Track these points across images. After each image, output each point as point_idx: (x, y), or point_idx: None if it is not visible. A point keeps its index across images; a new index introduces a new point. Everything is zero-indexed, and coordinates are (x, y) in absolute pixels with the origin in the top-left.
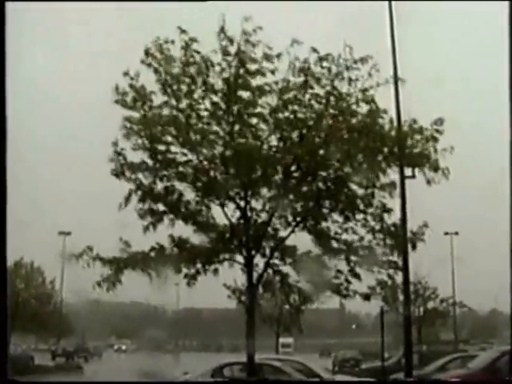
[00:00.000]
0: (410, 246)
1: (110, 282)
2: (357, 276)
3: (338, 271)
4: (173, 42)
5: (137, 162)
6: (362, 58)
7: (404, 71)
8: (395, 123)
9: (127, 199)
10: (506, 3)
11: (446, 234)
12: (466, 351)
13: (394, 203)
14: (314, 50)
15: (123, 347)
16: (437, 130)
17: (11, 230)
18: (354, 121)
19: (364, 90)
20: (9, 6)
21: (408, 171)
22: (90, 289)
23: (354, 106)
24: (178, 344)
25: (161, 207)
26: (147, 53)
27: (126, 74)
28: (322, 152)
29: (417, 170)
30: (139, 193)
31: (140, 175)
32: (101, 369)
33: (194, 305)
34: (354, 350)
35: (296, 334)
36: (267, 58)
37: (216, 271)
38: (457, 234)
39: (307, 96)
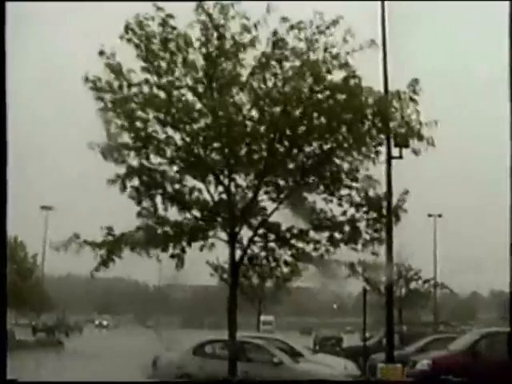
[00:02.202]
0: (393, 219)
1: (103, 264)
2: (335, 245)
3: (317, 242)
4: (153, 18)
5: (123, 142)
6: (334, 20)
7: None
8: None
9: (116, 180)
10: (506, 3)
11: (430, 215)
12: (445, 333)
13: (380, 180)
14: (284, 19)
15: (104, 323)
16: (413, 91)
17: None
18: (330, 91)
19: (335, 56)
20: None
21: (395, 152)
22: (71, 264)
23: (327, 73)
24: (159, 320)
25: (146, 186)
26: (127, 28)
27: (101, 53)
28: (303, 126)
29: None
30: (125, 172)
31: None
32: (81, 344)
33: (176, 281)
34: (335, 329)
35: (277, 312)
36: (245, 28)
37: (202, 248)
38: (440, 216)
39: (285, 68)
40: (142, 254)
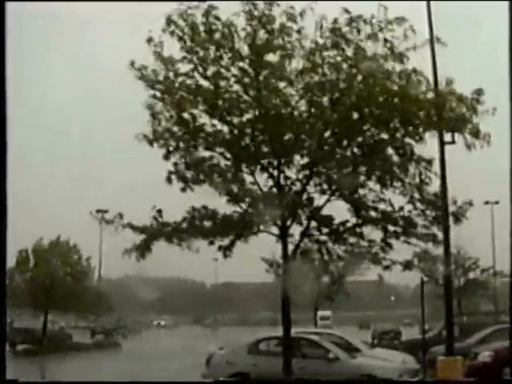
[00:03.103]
0: (452, 220)
1: (140, 251)
2: (389, 245)
3: (370, 241)
4: (197, 7)
5: (172, 129)
6: (398, 18)
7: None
8: (431, 85)
9: (167, 156)
10: (506, 3)
11: (487, 203)
12: (507, 322)
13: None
14: (346, 11)
15: (162, 323)
16: (477, 100)
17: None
18: (387, 83)
19: (391, 49)
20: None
21: (447, 137)
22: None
23: (386, 67)
24: (217, 319)
25: (194, 175)
26: (169, 21)
27: (149, 40)
28: (355, 116)
29: (456, 135)
30: (173, 159)
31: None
32: (138, 345)
33: (232, 279)
34: (393, 323)
35: (335, 307)
36: (290, 17)
37: (248, 241)
38: (497, 203)
39: (338, 58)
40: (186, 245)
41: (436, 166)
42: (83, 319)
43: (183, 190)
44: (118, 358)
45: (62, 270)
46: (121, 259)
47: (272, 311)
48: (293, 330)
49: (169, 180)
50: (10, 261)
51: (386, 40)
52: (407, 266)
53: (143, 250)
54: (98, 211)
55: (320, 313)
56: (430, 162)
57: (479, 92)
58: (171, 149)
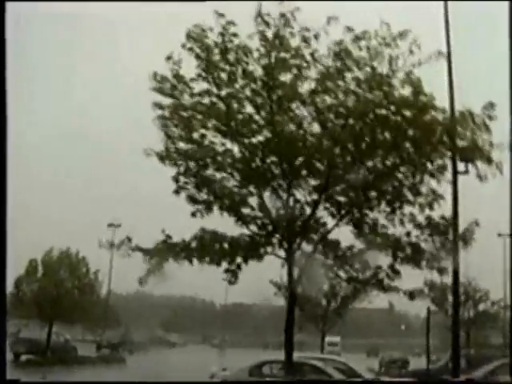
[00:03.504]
0: (461, 244)
1: (154, 274)
2: (396, 272)
3: (378, 267)
4: (211, 29)
5: (183, 148)
6: (401, 32)
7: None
8: (445, 109)
9: (176, 180)
10: (506, 3)
11: (500, 235)
12: None
13: (444, 202)
14: (349, 29)
15: (170, 340)
16: (489, 116)
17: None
18: (397, 106)
19: (402, 67)
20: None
21: (460, 167)
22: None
23: (396, 89)
24: (225, 339)
25: (203, 196)
26: (189, 36)
27: (168, 58)
28: (366, 139)
29: (470, 166)
30: (183, 179)
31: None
32: (143, 361)
33: (243, 300)
34: (402, 351)
35: (344, 333)
36: (305, 39)
37: (258, 263)
38: (511, 235)
39: (347, 80)
40: (197, 261)
41: (447, 195)
42: (90, 332)
43: (193, 214)
44: (121, 374)
45: (70, 281)
46: (131, 274)
47: (281, 334)
48: (299, 354)
49: (177, 192)
50: (20, 270)
51: (391, 57)
52: (412, 295)
53: (159, 276)
54: (109, 225)
55: (328, 338)
56: (442, 171)
57: (490, 106)
58: (182, 169)
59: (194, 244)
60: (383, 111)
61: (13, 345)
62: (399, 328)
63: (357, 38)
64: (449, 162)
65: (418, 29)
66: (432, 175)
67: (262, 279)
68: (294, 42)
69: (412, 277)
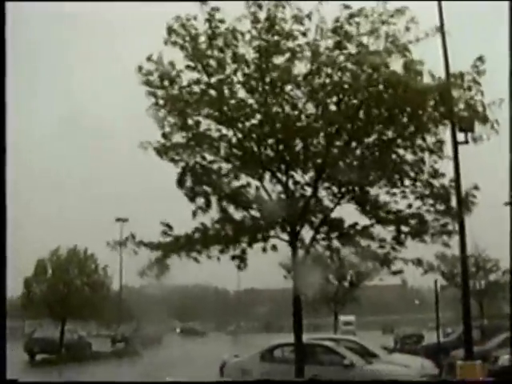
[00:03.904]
0: (463, 210)
1: (157, 270)
2: (401, 243)
3: (381, 240)
4: (195, 17)
5: (179, 141)
6: (398, 9)
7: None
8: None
9: (180, 179)
10: (506, 3)
11: (507, 204)
12: None
13: (446, 167)
14: (346, 7)
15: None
16: (478, 72)
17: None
18: (391, 77)
19: (392, 42)
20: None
21: (460, 137)
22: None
23: (388, 61)
24: (240, 325)
25: (204, 187)
26: (170, 31)
27: (149, 59)
28: (361, 116)
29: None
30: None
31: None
32: (158, 353)
33: (254, 285)
34: (417, 326)
35: (358, 312)
36: (297, 19)
37: (264, 249)
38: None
39: (341, 57)
40: (200, 256)
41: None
42: (105, 328)
43: (194, 214)
44: (135, 367)
45: (79, 279)
46: (142, 267)
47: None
48: (313, 335)
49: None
50: (29, 270)
51: (387, 34)
52: (419, 262)
53: (161, 268)
54: (117, 220)
55: (343, 318)
56: (441, 147)
57: (478, 62)
58: (183, 164)
59: (196, 235)
60: (376, 87)
61: (27, 345)
62: (413, 303)
63: (352, 15)
64: (447, 135)
65: (416, 5)
66: (431, 151)
67: (273, 264)
68: (286, 23)
69: (421, 251)
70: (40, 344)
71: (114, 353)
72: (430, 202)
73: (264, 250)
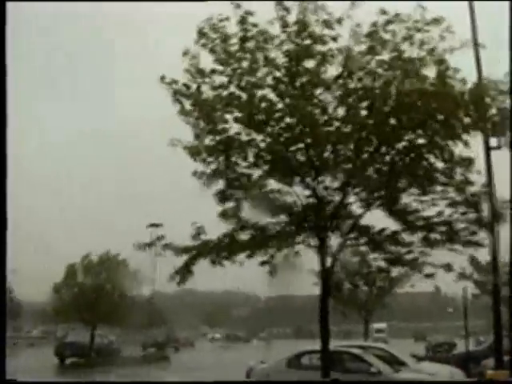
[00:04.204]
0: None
1: (181, 275)
2: (430, 244)
3: (409, 243)
4: (227, 18)
5: (207, 144)
6: (435, 18)
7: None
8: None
9: (209, 180)
10: (507, 3)
11: None
12: None
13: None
14: (383, 12)
15: (217, 336)
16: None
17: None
18: (425, 85)
19: (431, 51)
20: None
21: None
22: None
23: (422, 70)
24: (272, 332)
25: (233, 190)
26: (201, 33)
27: (185, 53)
28: (393, 122)
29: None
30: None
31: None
32: (187, 358)
33: (286, 292)
34: (449, 334)
35: (391, 319)
36: (327, 24)
37: (297, 253)
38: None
39: (373, 62)
40: (228, 261)
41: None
42: (138, 333)
43: (223, 215)
44: (163, 372)
45: (110, 283)
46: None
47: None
48: (343, 342)
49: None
50: (59, 275)
51: (422, 42)
52: (449, 267)
53: (185, 273)
54: (150, 225)
55: (375, 325)
56: (471, 161)
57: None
58: (214, 167)
59: (226, 240)
60: (407, 89)
61: (57, 349)
62: (446, 311)
63: (389, 21)
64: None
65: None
66: (463, 159)
67: (302, 270)
68: (316, 27)
69: (453, 258)
70: (70, 348)
71: (144, 358)
72: (462, 210)
73: (294, 254)
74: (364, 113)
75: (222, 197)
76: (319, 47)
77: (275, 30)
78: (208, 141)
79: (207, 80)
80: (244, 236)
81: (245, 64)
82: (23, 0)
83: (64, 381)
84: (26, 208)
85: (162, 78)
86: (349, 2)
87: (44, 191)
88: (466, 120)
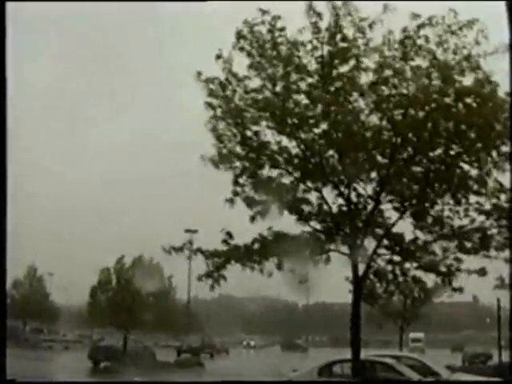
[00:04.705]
0: None
1: (214, 278)
2: (467, 251)
3: (445, 250)
4: (263, 22)
5: (236, 151)
6: (469, 21)
7: None
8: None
9: (236, 182)
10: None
11: None
12: None
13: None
14: (416, 16)
15: (252, 343)
16: None
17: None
18: (461, 93)
19: (468, 57)
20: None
21: None
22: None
23: (458, 76)
24: (308, 339)
25: (262, 196)
26: (239, 35)
27: (218, 57)
28: (428, 128)
29: None
30: (241, 181)
31: (238, 163)
32: (222, 365)
33: (324, 299)
34: (487, 345)
35: (428, 329)
36: (359, 29)
37: (328, 260)
38: None
39: (407, 69)
40: (259, 267)
41: None
42: (173, 338)
43: (252, 219)
44: (196, 378)
45: (144, 288)
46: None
47: (363, 331)
48: (378, 352)
49: (231, 201)
50: (93, 279)
51: (457, 46)
52: (483, 272)
53: (217, 276)
54: (186, 231)
55: (412, 335)
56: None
57: None
58: (238, 172)
59: (256, 246)
60: (445, 100)
61: (91, 352)
62: (485, 321)
63: (421, 25)
64: None
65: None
66: (496, 166)
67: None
68: (349, 32)
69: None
70: (104, 352)
71: (178, 363)
72: (494, 217)
73: (326, 261)
74: (399, 119)
75: (251, 202)
76: (353, 51)
77: (307, 36)
78: (239, 149)
79: (241, 84)
80: (274, 241)
81: (279, 69)
82: (23, 0)
83: (64, 381)
84: (67, 211)
85: (199, 74)
86: (381, 5)
87: (81, 195)
88: (500, 128)
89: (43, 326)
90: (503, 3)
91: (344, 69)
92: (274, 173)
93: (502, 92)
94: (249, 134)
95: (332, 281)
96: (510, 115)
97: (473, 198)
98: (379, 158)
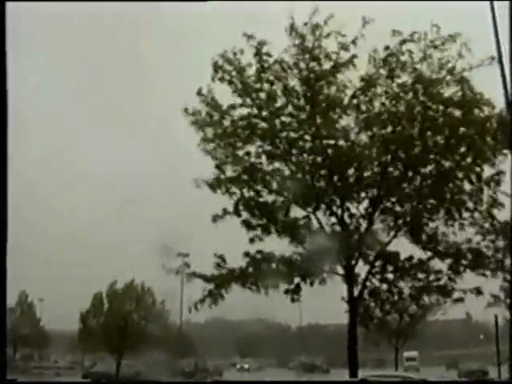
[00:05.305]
0: None
1: (212, 298)
2: (457, 272)
3: (438, 272)
4: (242, 51)
5: (233, 175)
6: (451, 35)
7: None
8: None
9: (236, 209)
10: (507, 3)
11: None
12: None
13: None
14: (396, 32)
15: (245, 366)
16: None
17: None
18: (448, 108)
19: (451, 70)
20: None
21: None
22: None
23: (443, 91)
24: (302, 361)
25: (257, 220)
26: (216, 67)
27: (199, 93)
28: (418, 144)
29: None
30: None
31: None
32: None
33: (318, 320)
34: (482, 361)
35: (422, 347)
36: (342, 46)
37: (323, 282)
38: None
39: (394, 86)
40: (252, 290)
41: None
42: (166, 362)
43: (252, 241)
44: None
45: (136, 313)
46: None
47: (361, 352)
48: (373, 372)
49: (214, 220)
50: (86, 304)
51: (440, 61)
52: (478, 291)
53: (215, 297)
54: (178, 255)
55: (406, 354)
56: (498, 181)
57: None
58: (236, 198)
59: (250, 269)
60: (431, 113)
61: (84, 378)
62: (478, 338)
63: (404, 41)
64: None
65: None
66: (488, 184)
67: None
68: (333, 48)
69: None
70: (96, 378)
71: None
72: (490, 237)
73: (320, 282)
74: (388, 137)
75: (248, 225)
76: (338, 72)
77: (290, 58)
78: (230, 172)
79: (228, 112)
80: (269, 265)
81: (263, 94)
82: (24, 0)
83: (64, 381)
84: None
85: (186, 110)
86: (360, 22)
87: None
88: (492, 142)
89: (34, 352)
90: (488, 16)
91: (332, 89)
92: (269, 198)
93: (490, 104)
94: (240, 153)
95: (326, 302)
96: (510, 125)
97: (467, 214)
98: (370, 176)
